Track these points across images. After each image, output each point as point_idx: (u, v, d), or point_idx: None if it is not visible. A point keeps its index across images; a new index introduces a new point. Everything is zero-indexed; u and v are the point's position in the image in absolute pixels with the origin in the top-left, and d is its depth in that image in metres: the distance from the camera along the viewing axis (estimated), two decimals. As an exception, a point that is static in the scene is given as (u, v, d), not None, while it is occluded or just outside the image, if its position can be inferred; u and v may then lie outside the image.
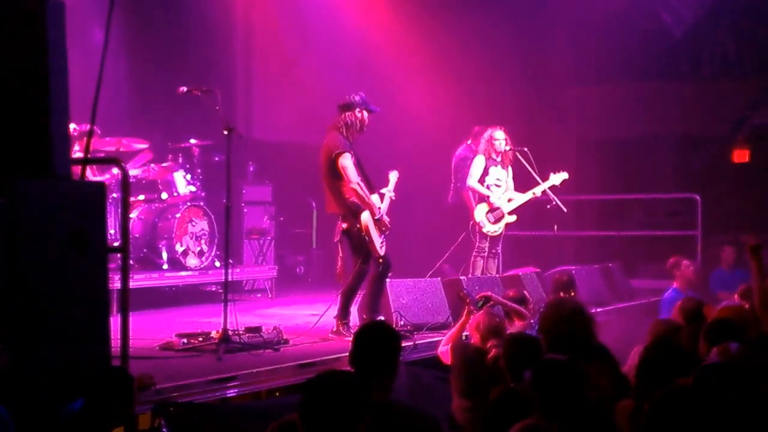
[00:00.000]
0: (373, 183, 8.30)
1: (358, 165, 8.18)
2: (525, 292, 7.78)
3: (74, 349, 4.98)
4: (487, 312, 6.63)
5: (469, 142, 10.85)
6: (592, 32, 14.71)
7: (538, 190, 10.03)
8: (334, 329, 8.06)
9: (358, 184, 7.99)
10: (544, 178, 10.09)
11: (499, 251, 10.13)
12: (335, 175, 8.04)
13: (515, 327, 7.08)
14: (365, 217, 8.01)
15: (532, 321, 7.19)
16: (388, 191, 8.37)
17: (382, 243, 8.13)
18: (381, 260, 8.12)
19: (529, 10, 14.59)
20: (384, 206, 8.26)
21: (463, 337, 6.87)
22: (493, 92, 13.58)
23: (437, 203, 11.54)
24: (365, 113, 8.15)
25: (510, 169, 10.14)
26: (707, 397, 3.56)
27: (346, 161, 7.97)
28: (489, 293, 7.34)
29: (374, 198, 8.19)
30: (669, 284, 9.67)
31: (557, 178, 10.12)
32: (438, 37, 13.52)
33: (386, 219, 8.16)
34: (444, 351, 6.71)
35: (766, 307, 5.72)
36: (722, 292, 9.66)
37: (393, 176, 8.58)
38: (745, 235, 6.20)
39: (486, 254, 10.02)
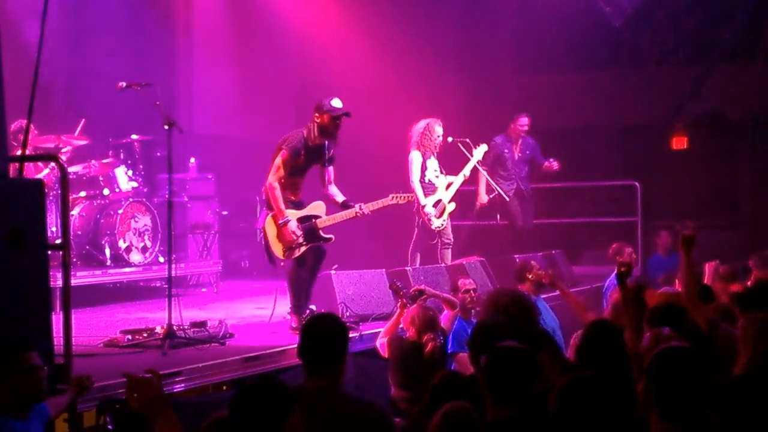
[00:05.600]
0: (303, 197, 8.14)
1: (298, 170, 8.03)
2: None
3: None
4: (421, 306, 6.66)
5: None
6: (533, 23, 14.85)
7: (467, 170, 10.06)
8: (294, 325, 7.92)
9: (271, 184, 7.84)
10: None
11: (452, 240, 10.15)
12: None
13: (446, 316, 7.13)
14: (267, 219, 7.93)
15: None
16: (360, 207, 8.10)
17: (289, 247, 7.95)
18: (283, 263, 8.05)
19: (471, 2, 14.67)
20: (323, 220, 8.07)
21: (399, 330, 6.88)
22: (435, 83, 13.62)
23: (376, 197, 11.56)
24: (326, 117, 7.95)
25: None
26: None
27: (278, 159, 7.88)
28: (423, 286, 7.31)
29: (316, 206, 8.09)
30: (611, 270, 9.77)
31: (479, 152, 10.17)
32: (379, 29, 13.54)
33: (293, 231, 7.86)
34: (382, 344, 6.77)
35: (691, 297, 5.83)
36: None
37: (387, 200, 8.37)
38: (682, 222, 6.22)
39: (441, 245, 10.05)
